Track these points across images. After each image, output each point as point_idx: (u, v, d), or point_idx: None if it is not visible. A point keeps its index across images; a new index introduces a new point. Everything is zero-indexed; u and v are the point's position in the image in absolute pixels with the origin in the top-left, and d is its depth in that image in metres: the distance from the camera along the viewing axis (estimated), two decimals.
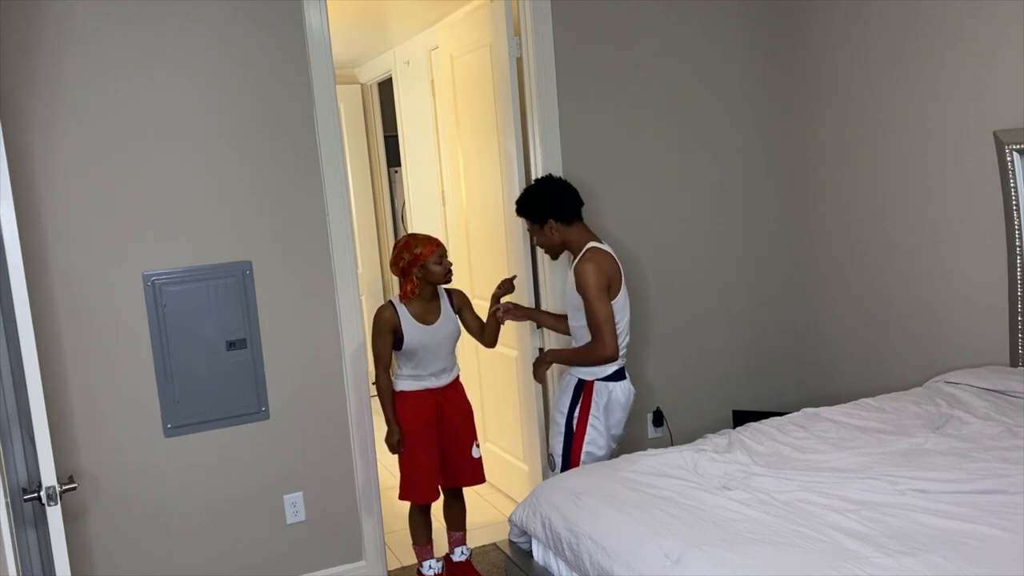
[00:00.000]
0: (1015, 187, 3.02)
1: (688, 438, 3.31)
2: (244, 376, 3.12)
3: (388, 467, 4.44)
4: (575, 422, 2.89)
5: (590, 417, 2.87)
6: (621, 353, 2.92)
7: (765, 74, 3.91)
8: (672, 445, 3.04)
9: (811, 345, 4.03)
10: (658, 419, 3.83)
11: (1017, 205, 3.03)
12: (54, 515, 1.77)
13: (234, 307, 3.09)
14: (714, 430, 3.36)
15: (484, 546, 3.58)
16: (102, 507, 2.97)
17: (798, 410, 2.92)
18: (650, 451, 2.63)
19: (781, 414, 2.96)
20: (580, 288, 2.78)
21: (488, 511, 3.84)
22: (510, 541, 2.68)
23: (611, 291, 2.80)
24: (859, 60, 3.58)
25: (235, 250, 3.09)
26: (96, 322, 2.92)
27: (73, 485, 1.86)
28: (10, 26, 2.74)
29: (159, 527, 3.05)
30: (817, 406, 2.96)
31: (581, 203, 2.94)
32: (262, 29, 3.06)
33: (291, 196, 3.16)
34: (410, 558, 3.53)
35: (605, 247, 2.88)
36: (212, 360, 3.07)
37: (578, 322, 2.91)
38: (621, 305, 2.86)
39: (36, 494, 1.77)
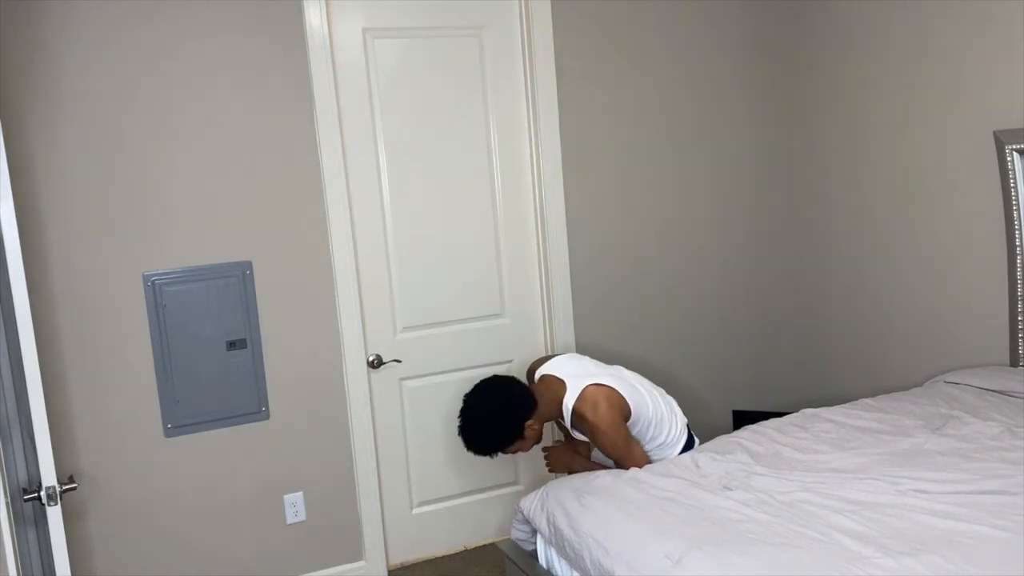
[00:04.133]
0: (1015, 187, 3.02)
1: None
2: (244, 376, 3.12)
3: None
4: None
5: None
6: (680, 431, 2.79)
7: (765, 75, 3.91)
8: None
9: (811, 345, 4.03)
10: None
11: (1017, 205, 3.03)
12: (54, 515, 1.77)
13: (234, 307, 3.09)
14: (714, 430, 3.36)
15: (485, 546, 3.58)
16: (102, 507, 2.96)
17: (798, 410, 2.92)
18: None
19: (781, 414, 2.96)
20: (605, 450, 2.63)
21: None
22: (511, 541, 2.68)
23: (626, 414, 2.63)
24: (858, 60, 3.58)
25: (235, 250, 3.09)
26: (96, 322, 2.92)
27: (73, 485, 1.86)
28: (10, 26, 2.74)
29: (159, 527, 3.05)
30: (817, 406, 2.96)
31: (525, 390, 2.70)
32: (262, 29, 3.06)
33: (291, 196, 3.16)
34: (410, 558, 3.52)
35: (573, 385, 2.64)
36: (212, 360, 3.07)
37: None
38: (643, 404, 2.69)
39: (36, 494, 1.77)
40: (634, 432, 2.71)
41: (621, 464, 2.62)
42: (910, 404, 2.85)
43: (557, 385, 2.72)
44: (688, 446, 2.81)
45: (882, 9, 3.44)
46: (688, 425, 2.90)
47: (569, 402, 2.66)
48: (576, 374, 2.72)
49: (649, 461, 2.64)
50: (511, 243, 3.58)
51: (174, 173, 2.99)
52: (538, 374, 2.86)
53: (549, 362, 2.87)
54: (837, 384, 3.90)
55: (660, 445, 2.77)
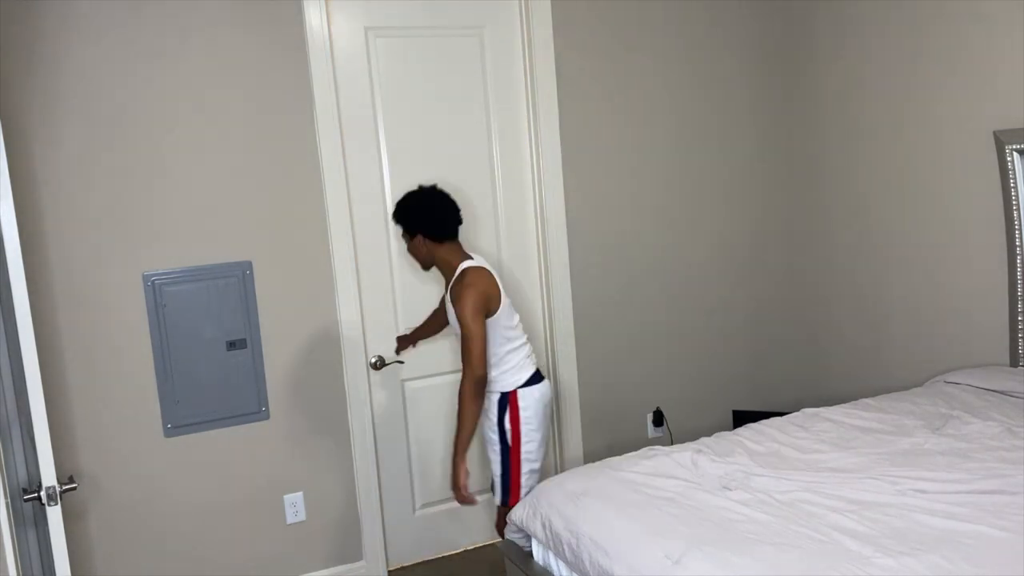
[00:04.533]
0: (1015, 187, 3.02)
1: (688, 438, 3.30)
2: (244, 376, 3.12)
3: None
4: (509, 435, 2.84)
5: (522, 423, 2.83)
6: (527, 357, 2.87)
7: (765, 75, 3.91)
8: (672, 445, 3.04)
9: (811, 345, 4.03)
10: (658, 419, 3.83)
11: (1017, 205, 3.03)
12: (54, 515, 1.77)
13: (234, 307, 3.09)
14: (714, 430, 3.36)
15: (483, 546, 3.58)
16: (102, 507, 2.96)
17: (798, 410, 2.92)
18: (650, 450, 2.63)
19: (781, 414, 2.96)
20: (457, 315, 2.73)
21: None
22: (510, 541, 2.68)
23: (490, 308, 2.75)
24: (859, 60, 3.58)
25: (235, 250, 3.09)
26: (96, 322, 2.92)
27: (73, 485, 1.86)
28: (10, 26, 2.74)
29: (159, 527, 3.05)
30: (817, 406, 2.96)
31: (457, 222, 2.83)
32: (262, 29, 3.06)
33: (291, 196, 3.16)
34: (410, 558, 3.52)
35: (479, 263, 2.81)
36: (212, 360, 3.07)
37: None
38: (507, 314, 2.82)
39: (36, 494, 1.77)
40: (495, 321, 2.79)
41: (465, 339, 2.69)
42: (910, 404, 2.85)
43: (460, 257, 2.83)
44: (533, 379, 2.85)
45: (883, 9, 3.44)
46: (538, 369, 2.93)
47: (463, 265, 2.79)
48: (475, 258, 2.85)
49: (483, 353, 2.71)
50: (511, 243, 3.58)
51: (174, 173, 3.00)
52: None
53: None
54: (837, 384, 3.90)
55: (512, 349, 2.83)
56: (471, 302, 2.68)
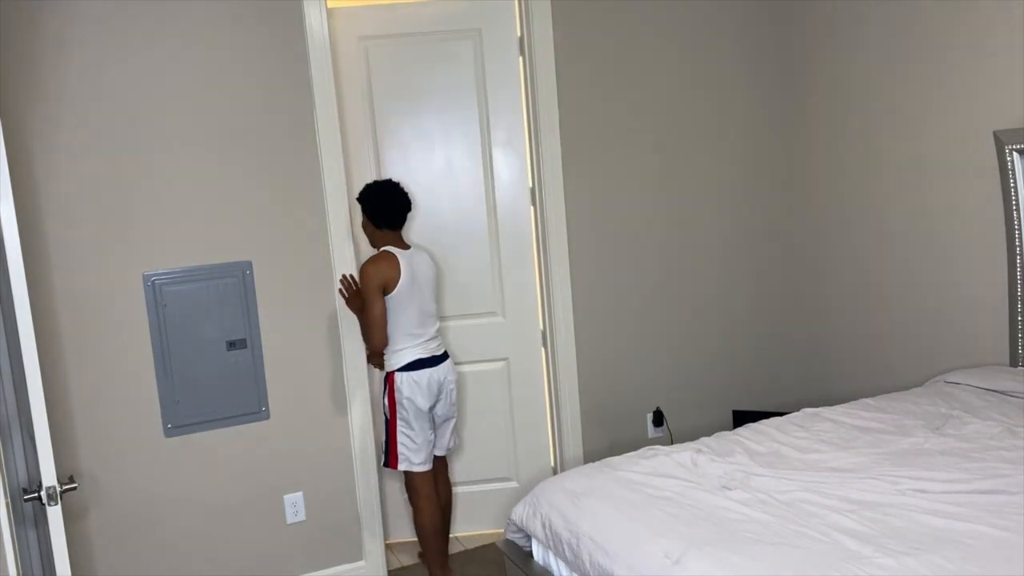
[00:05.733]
0: (1015, 187, 3.02)
1: (688, 438, 3.30)
2: (244, 376, 3.12)
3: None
4: (387, 410, 3.11)
5: (397, 407, 3.07)
6: (416, 346, 3.08)
7: (765, 75, 3.91)
8: (672, 445, 3.04)
9: (811, 345, 4.03)
10: (658, 419, 3.83)
11: (1017, 205, 3.03)
12: (54, 515, 1.77)
13: (234, 307, 3.09)
14: (714, 430, 3.36)
15: (484, 546, 3.58)
16: (102, 507, 2.97)
17: (798, 410, 2.92)
18: (649, 450, 2.63)
19: (781, 414, 2.96)
20: (360, 287, 3.05)
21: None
22: (510, 541, 2.68)
23: (386, 288, 3.01)
24: (859, 60, 3.59)
25: (235, 250, 3.10)
26: (96, 322, 2.92)
27: (73, 485, 1.86)
28: (11, 27, 2.74)
29: (159, 527, 3.05)
30: (817, 406, 2.96)
31: (400, 219, 3.11)
32: (262, 29, 3.06)
33: (291, 196, 3.16)
34: (410, 558, 3.53)
35: (396, 251, 3.06)
36: (212, 360, 3.07)
37: None
38: (402, 303, 3.04)
39: (36, 494, 1.77)
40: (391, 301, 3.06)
41: (364, 310, 3.02)
42: (910, 404, 2.85)
43: (395, 244, 3.10)
44: (416, 365, 3.07)
45: (883, 9, 3.44)
46: (436, 355, 3.14)
47: (383, 249, 3.08)
48: (405, 250, 3.11)
49: (382, 326, 3.01)
50: (511, 242, 3.58)
51: (174, 173, 3.00)
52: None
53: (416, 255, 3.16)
54: (837, 384, 3.90)
55: (401, 334, 3.08)
56: (368, 276, 3.00)
